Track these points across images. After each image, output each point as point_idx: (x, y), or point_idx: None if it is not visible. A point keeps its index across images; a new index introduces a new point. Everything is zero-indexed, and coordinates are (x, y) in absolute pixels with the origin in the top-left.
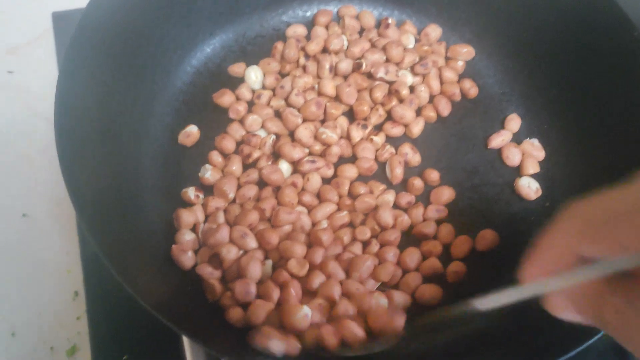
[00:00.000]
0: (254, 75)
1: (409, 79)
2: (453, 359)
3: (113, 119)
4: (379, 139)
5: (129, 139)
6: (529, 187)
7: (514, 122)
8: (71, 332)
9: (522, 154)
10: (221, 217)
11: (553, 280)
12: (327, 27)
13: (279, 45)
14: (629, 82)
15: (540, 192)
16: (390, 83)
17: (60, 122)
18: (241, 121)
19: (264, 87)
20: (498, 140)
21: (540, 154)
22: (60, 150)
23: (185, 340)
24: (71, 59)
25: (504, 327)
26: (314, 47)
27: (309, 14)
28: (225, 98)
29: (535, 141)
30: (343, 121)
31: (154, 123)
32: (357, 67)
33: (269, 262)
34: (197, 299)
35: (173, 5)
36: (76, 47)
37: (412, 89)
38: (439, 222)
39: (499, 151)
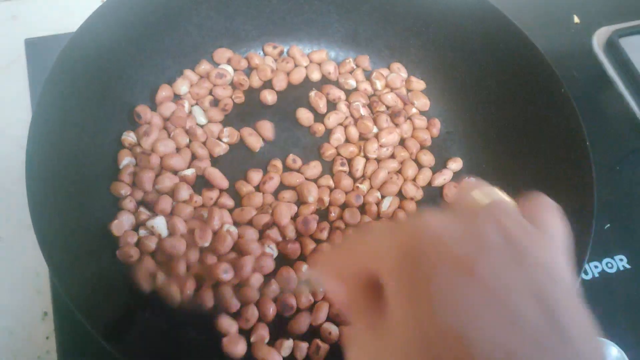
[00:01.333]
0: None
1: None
2: None
3: (84, 162)
4: (364, 186)
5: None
6: None
7: (456, 163)
8: (41, 350)
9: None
10: None
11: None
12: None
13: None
14: (557, 132)
15: None
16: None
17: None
18: None
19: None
20: (440, 179)
21: None
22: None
23: None
24: (43, 103)
25: None
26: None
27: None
28: None
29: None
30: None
31: None
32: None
33: None
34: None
35: (140, 44)
36: (50, 89)
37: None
38: None
39: (440, 189)
